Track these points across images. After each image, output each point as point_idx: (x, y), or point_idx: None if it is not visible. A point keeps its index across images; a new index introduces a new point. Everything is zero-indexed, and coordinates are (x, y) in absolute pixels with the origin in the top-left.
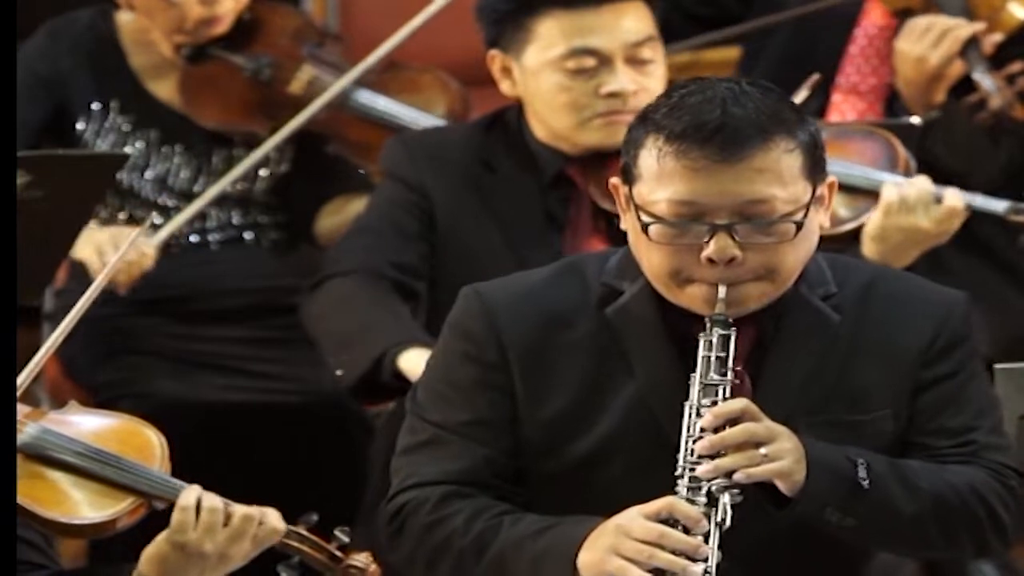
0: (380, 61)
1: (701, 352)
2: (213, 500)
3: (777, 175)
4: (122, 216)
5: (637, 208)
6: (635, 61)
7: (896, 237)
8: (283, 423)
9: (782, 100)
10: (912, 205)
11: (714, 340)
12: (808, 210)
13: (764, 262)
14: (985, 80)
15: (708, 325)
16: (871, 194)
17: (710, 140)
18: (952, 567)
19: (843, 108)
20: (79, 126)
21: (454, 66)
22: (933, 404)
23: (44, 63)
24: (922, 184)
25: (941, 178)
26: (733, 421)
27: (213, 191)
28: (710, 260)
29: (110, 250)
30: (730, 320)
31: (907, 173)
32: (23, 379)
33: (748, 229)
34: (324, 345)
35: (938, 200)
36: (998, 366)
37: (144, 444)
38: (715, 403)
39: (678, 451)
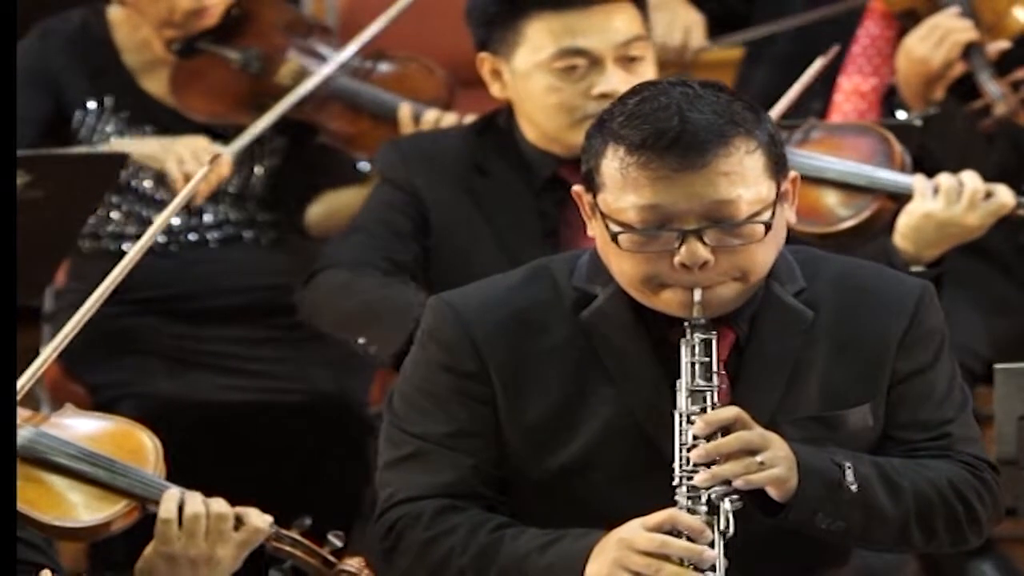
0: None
1: (684, 358)
2: (195, 505)
3: (741, 177)
4: (118, 215)
5: (604, 216)
6: (625, 61)
7: (935, 231)
8: (283, 423)
9: (737, 101)
10: (962, 200)
11: (696, 345)
12: (775, 208)
13: (736, 263)
14: (990, 86)
15: (689, 330)
16: (867, 191)
17: (670, 149)
18: (952, 567)
19: (844, 108)
20: (74, 124)
21: (447, 67)
22: (909, 397)
23: (37, 62)
24: (973, 180)
25: (933, 174)
26: (725, 428)
27: (278, 109)
28: (683, 265)
29: (190, 160)
30: (710, 324)
31: (903, 169)
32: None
33: (717, 232)
34: (334, 327)
35: (988, 196)
36: (998, 366)
37: (138, 447)
38: (704, 410)
39: (665, 457)
